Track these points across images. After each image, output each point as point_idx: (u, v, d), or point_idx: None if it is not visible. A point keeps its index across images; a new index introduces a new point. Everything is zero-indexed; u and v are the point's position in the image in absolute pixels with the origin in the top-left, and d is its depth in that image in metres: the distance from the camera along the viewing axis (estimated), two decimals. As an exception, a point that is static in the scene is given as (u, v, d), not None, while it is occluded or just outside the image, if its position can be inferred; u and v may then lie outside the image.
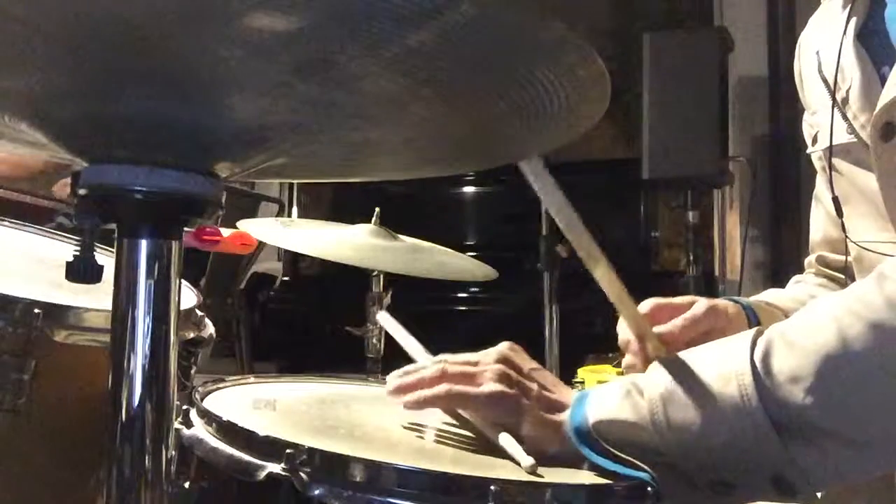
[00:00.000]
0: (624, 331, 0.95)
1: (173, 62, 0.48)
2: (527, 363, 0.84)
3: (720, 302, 1.00)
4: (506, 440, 0.75)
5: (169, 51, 0.46)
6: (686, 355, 0.78)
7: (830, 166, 1.00)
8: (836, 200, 1.01)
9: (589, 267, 0.81)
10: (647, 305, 0.97)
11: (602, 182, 4.57)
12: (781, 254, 3.57)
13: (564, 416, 0.78)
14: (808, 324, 0.73)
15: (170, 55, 0.47)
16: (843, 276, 1.14)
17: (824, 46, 1.02)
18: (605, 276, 0.83)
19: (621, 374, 1.59)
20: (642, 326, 0.92)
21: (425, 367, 0.84)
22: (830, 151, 0.99)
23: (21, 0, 0.43)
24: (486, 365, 0.81)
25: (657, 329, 0.93)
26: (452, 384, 0.80)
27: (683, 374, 0.74)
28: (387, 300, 1.65)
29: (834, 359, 0.68)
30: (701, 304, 0.97)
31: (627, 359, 0.95)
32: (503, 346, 0.85)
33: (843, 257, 1.12)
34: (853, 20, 0.97)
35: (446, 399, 0.80)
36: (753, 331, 0.74)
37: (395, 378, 0.84)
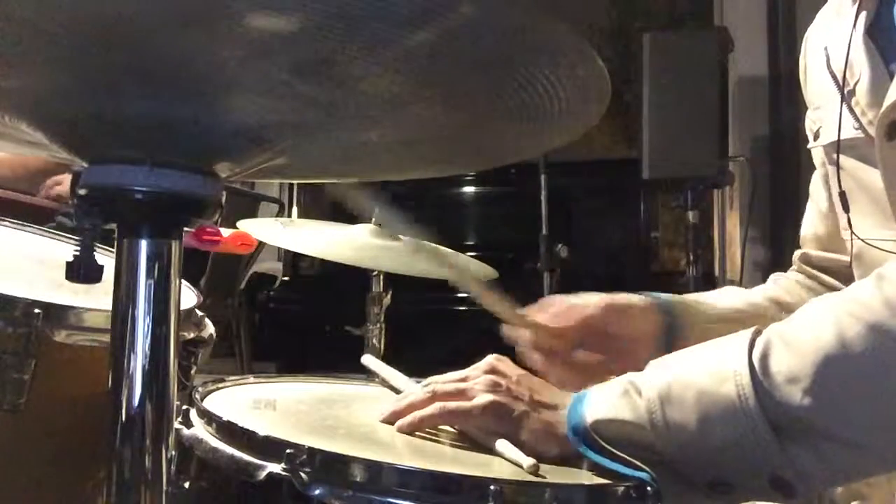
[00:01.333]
0: (509, 329, 0.99)
1: (173, 62, 0.48)
2: (514, 371, 0.85)
3: (621, 298, 1.02)
4: (504, 446, 0.76)
5: (169, 51, 0.47)
6: (684, 354, 0.78)
7: (837, 161, 1.00)
8: (842, 195, 1.00)
9: (455, 281, 0.82)
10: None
11: (602, 182, 4.57)
12: (781, 254, 3.57)
13: (560, 417, 0.78)
14: (806, 324, 0.72)
15: (170, 55, 0.47)
16: (823, 276, 1.15)
17: (833, 42, 1.02)
18: (471, 283, 0.86)
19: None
20: (525, 322, 0.96)
21: (415, 393, 0.84)
22: (838, 146, 0.99)
23: (21, 0, 0.43)
24: (475, 378, 0.82)
25: (544, 322, 0.98)
26: (444, 402, 0.81)
27: (681, 374, 0.74)
28: (387, 300, 1.65)
29: (832, 360, 0.68)
30: (598, 301, 1.00)
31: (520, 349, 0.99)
32: (490, 358, 0.86)
33: (827, 254, 1.13)
34: (863, 15, 0.97)
35: (440, 417, 0.81)
36: (752, 330, 0.74)
37: (388, 408, 0.85)
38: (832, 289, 1.12)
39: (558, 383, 0.90)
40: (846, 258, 1.08)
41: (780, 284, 1.16)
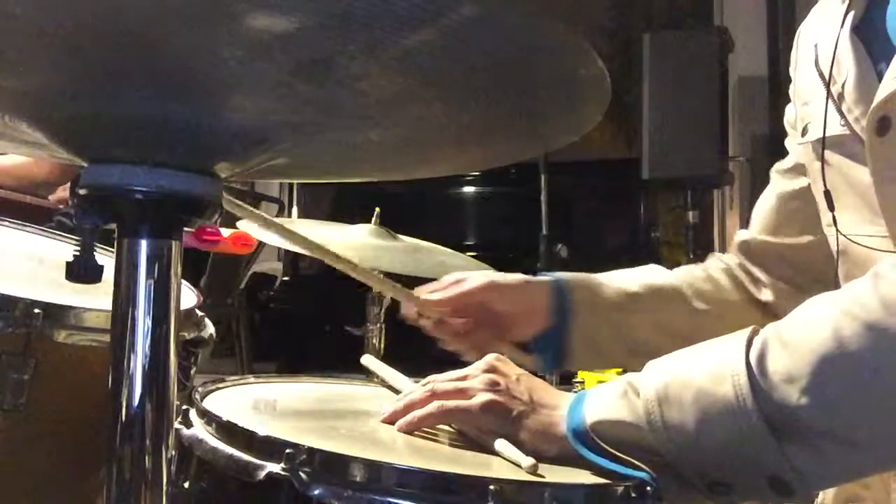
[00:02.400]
0: (406, 306, 1.09)
1: (173, 62, 0.48)
2: (514, 370, 0.85)
3: (505, 277, 1.11)
4: (503, 445, 0.76)
5: (169, 51, 0.47)
6: (682, 354, 0.78)
7: (822, 158, 1.00)
8: (827, 194, 1.01)
9: (341, 268, 1.02)
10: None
11: (602, 182, 4.58)
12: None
13: (560, 417, 0.78)
14: (803, 323, 0.72)
15: (170, 55, 0.47)
16: (750, 265, 1.18)
17: (822, 39, 1.02)
18: (355, 270, 1.03)
19: (621, 374, 1.61)
20: (410, 297, 1.07)
21: (415, 393, 0.84)
22: (823, 143, 0.99)
23: (22, 0, 0.43)
24: (475, 377, 0.82)
25: (429, 297, 1.08)
26: (443, 401, 0.81)
27: (679, 374, 0.74)
28: (387, 300, 1.65)
29: (829, 359, 0.68)
30: (479, 278, 1.09)
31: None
32: (489, 357, 0.86)
33: (769, 238, 1.17)
34: (851, 13, 0.97)
35: (439, 416, 0.81)
36: (749, 330, 0.74)
37: (388, 407, 0.85)
38: (751, 280, 1.18)
39: (452, 347, 1.09)
40: (792, 240, 1.13)
41: (704, 267, 1.21)
